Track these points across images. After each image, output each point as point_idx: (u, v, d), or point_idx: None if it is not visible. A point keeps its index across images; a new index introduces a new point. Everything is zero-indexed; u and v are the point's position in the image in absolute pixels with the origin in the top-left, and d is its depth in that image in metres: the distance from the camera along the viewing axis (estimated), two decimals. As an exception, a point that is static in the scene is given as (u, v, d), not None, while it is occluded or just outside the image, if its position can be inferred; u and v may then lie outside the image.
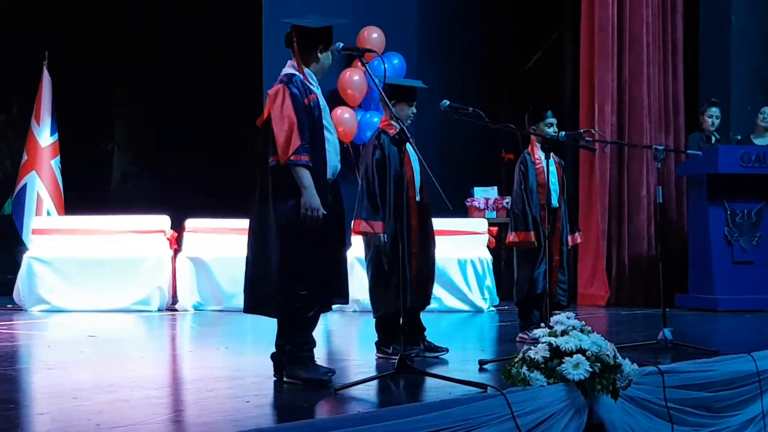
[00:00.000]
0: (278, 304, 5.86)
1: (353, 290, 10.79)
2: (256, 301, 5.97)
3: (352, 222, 7.11)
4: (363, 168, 7.13)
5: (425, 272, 7.36)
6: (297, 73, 5.95)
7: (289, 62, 6.05)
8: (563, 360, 5.31)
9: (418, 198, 7.23)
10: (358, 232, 7.09)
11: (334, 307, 6.47)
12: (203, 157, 13.65)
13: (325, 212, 5.78)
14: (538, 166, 8.23)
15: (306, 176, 5.73)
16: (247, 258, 6.00)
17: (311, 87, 5.95)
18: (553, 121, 8.27)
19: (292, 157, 5.71)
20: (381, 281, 7.13)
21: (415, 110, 7.33)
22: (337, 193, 6.03)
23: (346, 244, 6.18)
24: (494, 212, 12.78)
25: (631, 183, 12.35)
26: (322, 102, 6.00)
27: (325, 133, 5.94)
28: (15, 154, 13.39)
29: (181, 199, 12.67)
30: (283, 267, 5.80)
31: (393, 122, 7.19)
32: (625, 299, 12.15)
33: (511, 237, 8.31)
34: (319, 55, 6.04)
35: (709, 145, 11.52)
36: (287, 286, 5.79)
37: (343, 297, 6.13)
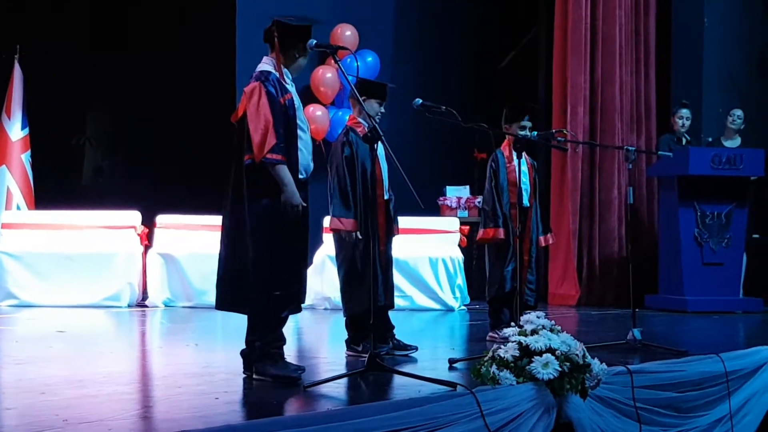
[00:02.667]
0: (253, 303, 5.85)
1: (325, 288, 10.95)
2: (228, 298, 5.97)
3: (330, 220, 7.12)
4: (334, 166, 7.13)
5: (390, 270, 7.38)
6: (273, 71, 5.95)
7: (264, 58, 6.04)
8: (533, 359, 5.33)
9: (386, 196, 7.24)
10: (333, 229, 7.08)
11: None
12: (175, 153, 13.61)
13: (305, 204, 5.80)
14: (509, 165, 8.24)
15: (285, 173, 5.74)
16: (219, 255, 5.99)
17: (287, 86, 5.95)
18: (528, 124, 8.27)
19: (267, 156, 5.71)
20: (354, 280, 7.10)
21: (383, 110, 7.34)
22: (306, 193, 6.03)
23: (308, 244, 6.18)
24: (466, 211, 12.79)
25: (603, 183, 12.39)
26: (297, 101, 6.00)
27: (299, 132, 5.94)
28: (-15, 148, 13.28)
29: (153, 195, 12.62)
30: (257, 265, 5.79)
31: (361, 119, 7.22)
32: (596, 299, 12.18)
33: (481, 234, 8.33)
34: (297, 53, 6.03)
35: (680, 146, 11.57)
36: (262, 284, 5.79)
37: (302, 301, 6.13)
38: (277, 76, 5.94)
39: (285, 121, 5.85)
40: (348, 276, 7.18)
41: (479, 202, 12.09)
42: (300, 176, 5.94)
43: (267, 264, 5.80)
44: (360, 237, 6.94)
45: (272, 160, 5.73)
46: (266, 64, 6.02)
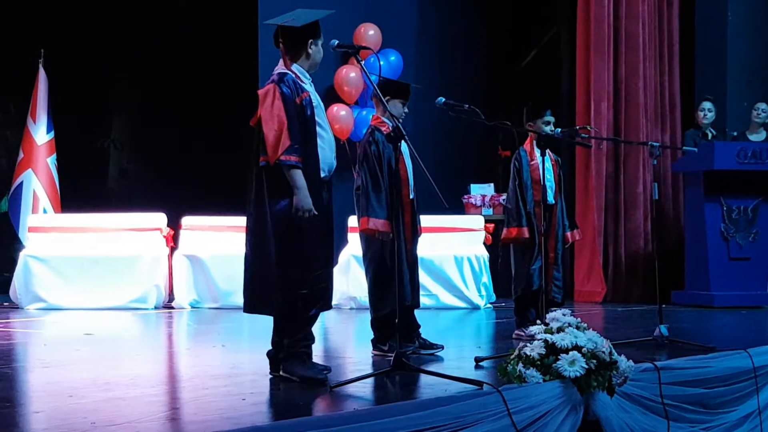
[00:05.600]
0: (279, 304, 5.85)
1: (350, 287, 10.97)
2: (256, 301, 5.96)
3: (359, 220, 7.09)
4: (364, 166, 7.09)
5: (417, 269, 7.37)
6: (289, 71, 5.94)
7: (281, 60, 6.04)
8: (559, 357, 5.31)
9: (411, 195, 7.23)
10: (365, 230, 7.05)
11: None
12: (200, 155, 13.65)
13: (316, 213, 5.77)
14: (532, 163, 8.22)
15: (298, 176, 5.72)
16: (245, 257, 5.99)
17: (303, 85, 5.93)
18: (551, 119, 8.24)
19: (281, 158, 5.69)
20: (383, 280, 7.06)
21: (407, 110, 7.34)
22: (330, 192, 6.02)
23: (333, 243, 6.18)
24: (491, 209, 12.77)
25: (628, 180, 12.35)
26: (316, 99, 5.97)
27: (319, 130, 5.92)
28: (11, 151, 13.37)
29: (178, 197, 12.66)
30: (282, 266, 5.79)
31: (385, 119, 7.20)
32: (622, 296, 12.16)
33: (505, 233, 8.32)
34: (309, 50, 6.00)
35: (706, 141, 11.53)
36: (287, 285, 5.79)
37: (330, 299, 6.13)
38: (293, 76, 5.93)
39: (302, 121, 5.83)
40: (377, 276, 7.15)
41: (504, 200, 12.09)
42: (323, 174, 5.93)
43: (290, 264, 5.79)
44: (391, 237, 6.92)
45: (286, 162, 5.71)
46: (282, 66, 6.01)
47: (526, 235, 8.14)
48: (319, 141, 5.91)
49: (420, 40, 13.65)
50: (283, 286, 5.80)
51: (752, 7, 12.91)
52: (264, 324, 6.12)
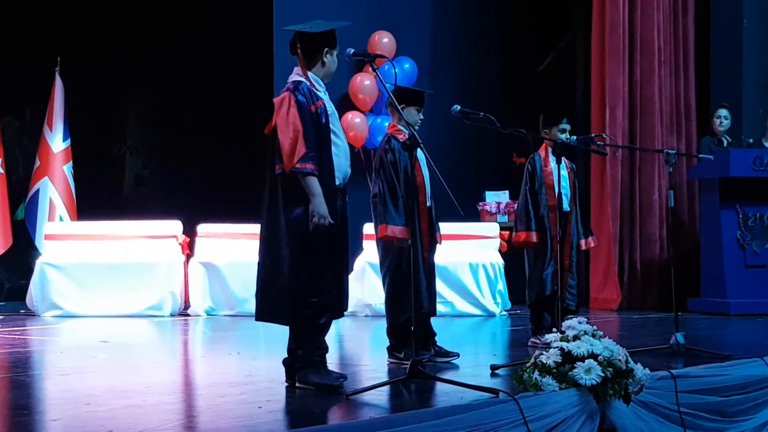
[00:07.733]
0: (290, 312, 5.86)
1: (366, 295, 10.97)
2: (267, 309, 5.97)
3: (377, 227, 7.09)
4: (381, 173, 7.09)
5: (434, 277, 7.37)
6: (304, 80, 5.95)
7: (296, 69, 6.05)
8: (575, 365, 5.32)
9: (428, 203, 7.23)
10: (383, 237, 7.06)
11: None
12: (216, 162, 13.67)
13: (332, 221, 5.78)
14: (546, 168, 8.22)
15: (314, 184, 5.73)
16: (258, 265, 6.01)
17: (318, 93, 5.95)
18: (567, 127, 8.22)
19: (297, 165, 5.70)
20: (400, 288, 7.02)
21: (422, 116, 7.34)
22: (345, 199, 6.03)
23: (349, 251, 6.18)
24: (506, 216, 12.76)
25: (643, 187, 12.33)
26: (330, 107, 5.99)
27: (334, 138, 5.93)
28: (28, 159, 13.43)
29: (194, 204, 12.68)
30: (293, 274, 5.80)
31: (401, 127, 7.21)
32: (637, 303, 12.13)
33: (514, 237, 8.33)
34: (324, 59, 6.02)
35: (721, 148, 11.51)
36: (298, 293, 5.79)
37: (345, 309, 6.13)
38: (308, 84, 5.94)
39: (317, 129, 5.84)
40: (394, 283, 7.14)
41: (518, 207, 12.10)
42: (337, 182, 5.94)
43: (303, 272, 5.80)
44: (410, 244, 6.91)
45: (302, 170, 5.72)
46: (297, 75, 6.03)
47: (534, 239, 8.12)
48: (333, 149, 5.93)
49: (434, 47, 13.65)
50: (294, 294, 5.81)
51: (767, 13, 12.88)
52: (280, 331, 6.13)
